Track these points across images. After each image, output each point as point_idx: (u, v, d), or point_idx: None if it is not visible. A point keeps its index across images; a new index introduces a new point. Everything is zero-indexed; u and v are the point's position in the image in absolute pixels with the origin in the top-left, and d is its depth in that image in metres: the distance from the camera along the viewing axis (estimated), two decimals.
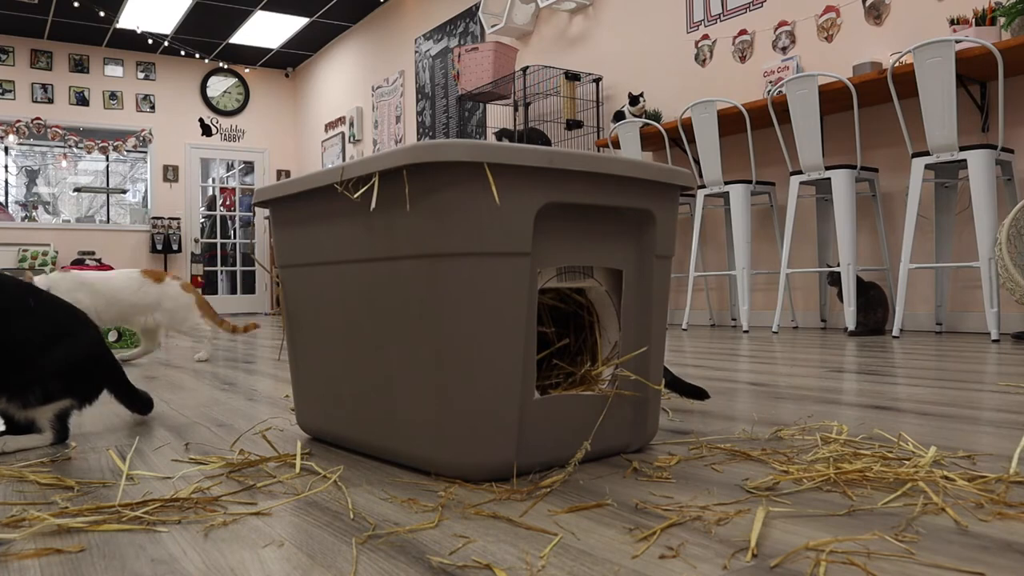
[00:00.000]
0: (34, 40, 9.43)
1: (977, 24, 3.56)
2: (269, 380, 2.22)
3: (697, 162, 4.77)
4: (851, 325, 3.74)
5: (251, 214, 10.74)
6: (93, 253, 9.53)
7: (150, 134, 10.00)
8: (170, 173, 10.15)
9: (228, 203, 10.76)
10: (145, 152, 10.04)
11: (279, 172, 10.88)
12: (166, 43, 9.48)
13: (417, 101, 8.14)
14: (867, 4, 4.22)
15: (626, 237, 1.11)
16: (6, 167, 9.46)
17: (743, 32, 4.87)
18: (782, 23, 4.65)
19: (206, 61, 10.23)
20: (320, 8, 8.55)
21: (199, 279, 10.21)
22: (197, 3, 8.21)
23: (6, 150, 9.41)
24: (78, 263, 9.27)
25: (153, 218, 9.96)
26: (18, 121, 9.30)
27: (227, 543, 0.75)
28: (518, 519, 0.81)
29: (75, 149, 9.65)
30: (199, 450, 1.21)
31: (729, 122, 4.50)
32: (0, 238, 9.09)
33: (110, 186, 10.04)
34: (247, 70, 10.61)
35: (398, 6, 8.43)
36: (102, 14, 8.42)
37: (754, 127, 4.58)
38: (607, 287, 1.12)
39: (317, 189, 1.12)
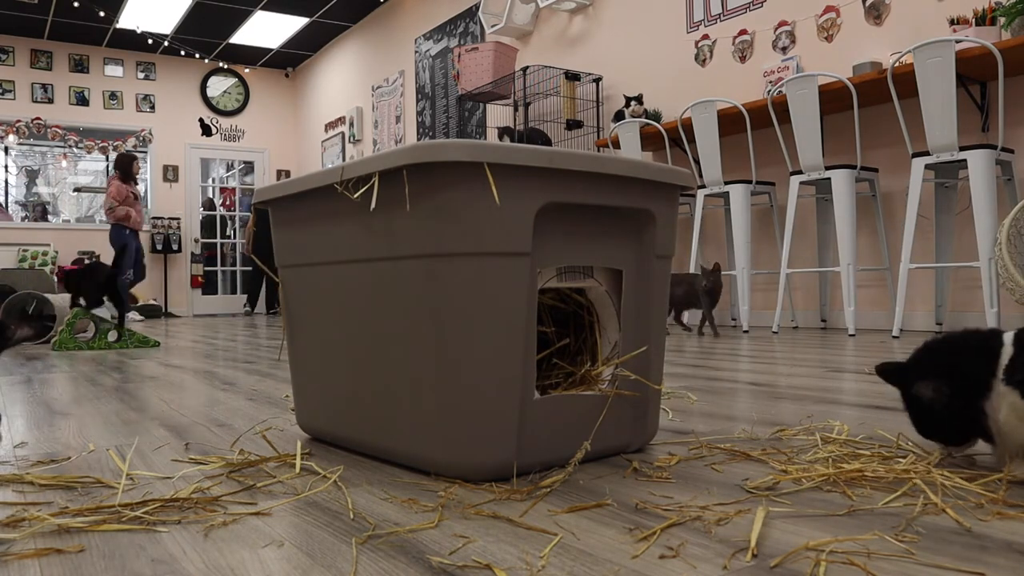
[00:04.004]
0: (34, 40, 9.43)
1: (977, 24, 3.56)
2: (269, 380, 2.22)
3: (697, 162, 4.77)
4: (851, 327, 3.74)
5: (251, 214, 10.74)
6: (93, 253, 9.53)
7: (150, 134, 10.00)
8: (170, 173, 10.15)
9: (228, 203, 10.76)
10: (145, 152, 10.04)
11: (279, 172, 10.88)
12: (166, 43, 9.48)
13: (417, 101, 8.14)
14: (867, 4, 4.22)
15: (626, 237, 1.11)
16: (6, 167, 9.46)
17: (743, 32, 4.87)
18: (782, 23, 4.65)
19: (206, 61, 10.23)
20: (320, 8, 8.55)
21: (199, 279, 10.21)
22: (197, 3, 8.21)
23: (6, 150, 9.41)
24: (78, 263, 9.28)
25: (153, 218, 9.95)
26: (18, 121, 9.30)
27: (227, 543, 0.75)
28: (518, 519, 0.81)
29: (75, 149, 9.65)
30: (199, 450, 1.21)
31: (729, 122, 4.50)
32: (0, 238, 9.09)
33: None
34: (247, 70, 10.61)
35: (398, 6, 8.43)
36: (102, 14, 8.42)
37: (754, 127, 4.58)
38: (607, 287, 1.12)
39: (317, 189, 1.12)
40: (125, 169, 7.53)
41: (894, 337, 3.53)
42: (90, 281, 3.80)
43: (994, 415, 0.92)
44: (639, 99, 5.18)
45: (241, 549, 0.73)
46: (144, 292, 9.80)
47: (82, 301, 3.75)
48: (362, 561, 0.70)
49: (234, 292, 10.63)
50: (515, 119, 5.98)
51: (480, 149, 0.92)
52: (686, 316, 4.34)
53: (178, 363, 2.86)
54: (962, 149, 3.36)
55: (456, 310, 0.95)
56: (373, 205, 0.99)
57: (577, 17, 6.15)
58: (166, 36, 9.27)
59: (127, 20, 8.69)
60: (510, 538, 0.75)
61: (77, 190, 9.91)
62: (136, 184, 7.75)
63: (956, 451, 1.02)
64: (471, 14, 7.22)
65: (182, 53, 9.94)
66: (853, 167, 3.87)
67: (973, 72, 3.52)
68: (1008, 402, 0.90)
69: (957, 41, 3.30)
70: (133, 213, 7.48)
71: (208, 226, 10.46)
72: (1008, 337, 0.93)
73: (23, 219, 9.51)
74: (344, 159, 9.67)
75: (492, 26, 6.68)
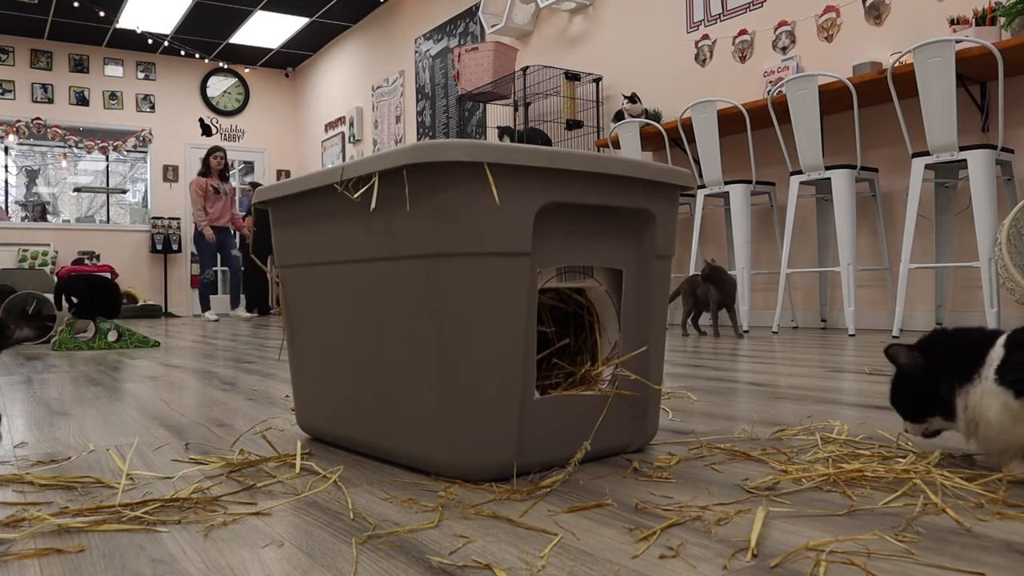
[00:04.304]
0: (34, 40, 9.43)
1: (977, 24, 3.56)
2: (269, 380, 2.22)
3: (697, 162, 4.77)
4: (851, 327, 3.74)
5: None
6: (93, 253, 9.53)
7: (150, 134, 10.00)
8: (170, 173, 10.15)
9: None
10: (145, 152, 10.04)
11: (279, 172, 10.88)
12: (166, 43, 9.48)
13: (417, 101, 8.14)
14: (867, 4, 4.22)
15: (626, 237, 1.11)
16: (6, 167, 9.46)
17: (743, 32, 4.87)
18: (782, 23, 4.65)
19: (206, 61, 10.23)
20: (320, 8, 8.55)
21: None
22: (197, 3, 8.21)
23: (6, 150, 9.41)
24: (78, 263, 9.28)
25: (153, 218, 9.96)
26: (18, 121, 9.30)
27: (227, 543, 0.75)
28: (518, 519, 0.81)
29: (75, 149, 9.65)
30: (199, 450, 1.21)
31: (729, 122, 4.50)
32: (0, 238, 9.09)
33: (110, 186, 10.03)
34: (247, 70, 10.61)
35: (398, 6, 8.43)
36: (102, 14, 8.42)
37: (754, 127, 4.59)
38: (607, 287, 1.12)
39: (317, 189, 1.12)
40: (203, 162, 7.38)
41: (894, 337, 3.53)
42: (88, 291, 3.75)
43: (974, 405, 0.94)
44: (632, 98, 5.17)
45: (241, 549, 0.73)
46: (144, 292, 9.80)
47: (74, 300, 3.71)
48: (362, 561, 0.70)
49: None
50: (515, 119, 5.98)
51: (480, 149, 0.92)
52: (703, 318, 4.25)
53: (178, 363, 2.86)
54: (962, 149, 3.36)
55: (456, 310, 0.95)
56: (373, 205, 0.99)
57: (577, 17, 6.15)
58: (166, 36, 9.27)
59: (127, 20, 8.69)
60: (510, 538, 0.75)
61: (77, 190, 9.91)
62: (221, 179, 7.39)
63: (913, 429, 1.04)
64: (471, 14, 7.22)
65: (182, 53, 9.94)
66: (853, 167, 3.87)
67: (973, 72, 3.52)
68: (1001, 401, 0.90)
69: (957, 41, 3.30)
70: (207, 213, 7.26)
71: None
72: (1001, 339, 0.95)
73: (23, 219, 9.51)
74: (344, 159, 9.67)
75: (492, 26, 6.68)
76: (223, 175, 7.44)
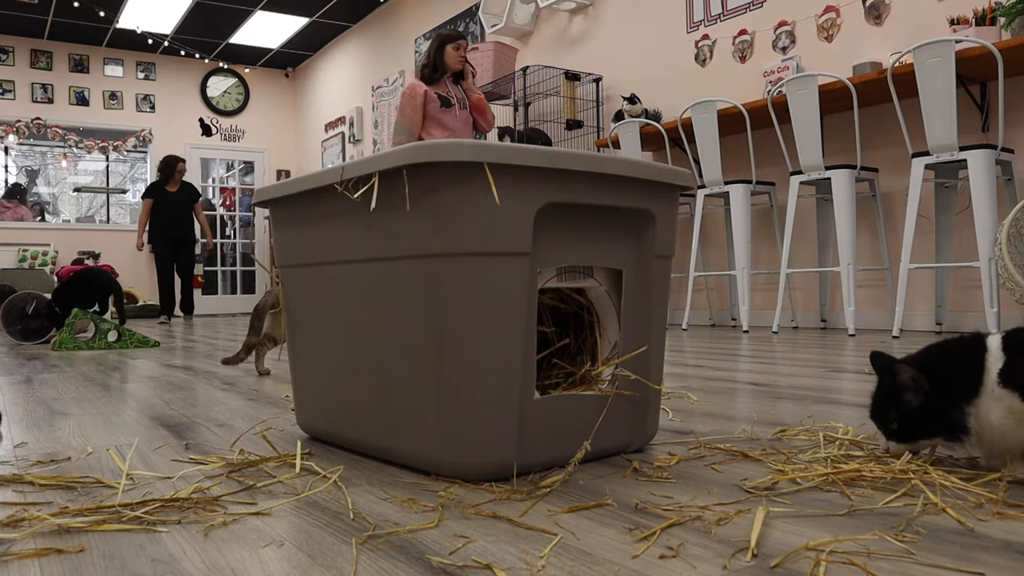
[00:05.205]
0: (34, 40, 9.43)
1: (977, 24, 3.56)
2: (269, 380, 2.22)
3: (697, 162, 4.77)
4: (851, 327, 3.74)
5: (251, 214, 10.73)
6: (93, 252, 9.52)
7: (150, 134, 10.00)
8: None
9: (228, 203, 10.76)
10: (145, 152, 10.04)
11: (279, 172, 10.87)
12: (166, 43, 9.48)
13: None
14: (867, 4, 4.21)
15: (626, 237, 1.11)
16: (6, 167, 9.45)
17: (743, 32, 4.87)
18: (782, 23, 4.65)
19: (206, 61, 10.22)
20: (320, 8, 8.55)
21: (199, 279, 10.21)
22: (197, 3, 8.21)
23: (6, 150, 9.41)
24: (78, 263, 9.27)
25: None
26: (18, 121, 9.30)
27: (227, 543, 0.75)
28: (518, 519, 0.81)
29: (75, 149, 9.64)
30: (199, 450, 1.21)
31: (729, 122, 4.50)
32: (0, 238, 9.08)
33: (110, 186, 10.03)
34: (247, 70, 10.61)
35: (398, 6, 8.43)
36: (102, 14, 8.42)
37: (754, 127, 4.58)
38: (607, 287, 1.12)
39: (317, 189, 1.12)
40: (433, 55, 4.36)
41: (894, 337, 3.53)
42: (85, 291, 3.76)
43: (980, 415, 0.92)
44: (632, 99, 5.17)
45: (241, 549, 0.73)
46: (144, 292, 9.80)
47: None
48: (362, 561, 0.70)
49: (234, 292, 10.62)
50: (515, 119, 5.98)
51: (480, 149, 0.92)
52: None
53: (178, 363, 2.86)
54: (962, 149, 3.36)
55: (456, 310, 0.95)
56: (373, 205, 0.99)
57: (577, 17, 6.15)
58: (166, 36, 9.27)
59: (127, 20, 8.69)
60: (510, 538, 0.75)
61: (77, 190, 9.91)
62: (458, 84, 4.43)
63: (897, 449, 1.01)
64: (471, 14, 7.22)
65: (182, 53, 9.94)
66: (853, 167, 3.87)
67: (973, 72, 3.52)
68: (1005, 405, 0.90)
69: (957, 41, 3.30)
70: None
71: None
72: (995, 342, 0.93)
73: (22, 219, 9.51)
74: (344, 159, 9.67)
75: (492, 26, 6.68)
76: (462, 76, 4.42)
